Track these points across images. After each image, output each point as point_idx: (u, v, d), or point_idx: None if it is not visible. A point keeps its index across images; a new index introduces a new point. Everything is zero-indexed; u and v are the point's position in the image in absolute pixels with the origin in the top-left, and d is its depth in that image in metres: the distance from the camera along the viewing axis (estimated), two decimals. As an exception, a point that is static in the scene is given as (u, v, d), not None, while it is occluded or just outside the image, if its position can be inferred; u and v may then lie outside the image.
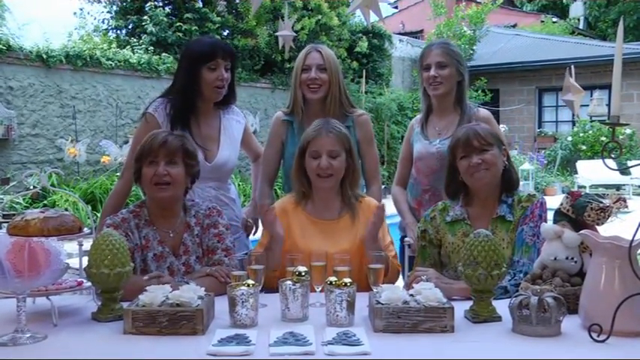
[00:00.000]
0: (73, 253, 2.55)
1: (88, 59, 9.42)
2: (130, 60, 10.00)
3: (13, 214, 3.11)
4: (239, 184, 9.34)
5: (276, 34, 3.02)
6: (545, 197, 2.52)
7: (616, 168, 10.57)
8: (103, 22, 11.89)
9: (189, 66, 2.76)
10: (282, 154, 3.05)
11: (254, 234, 3.13)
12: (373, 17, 2.47)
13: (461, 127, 2.56)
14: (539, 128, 16.89)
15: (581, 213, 2.13)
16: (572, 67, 2.88)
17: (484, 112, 3.07)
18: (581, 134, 15.04)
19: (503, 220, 2.40)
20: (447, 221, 2.47)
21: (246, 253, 2.86)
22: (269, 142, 3.09)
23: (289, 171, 2.69)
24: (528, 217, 2.36)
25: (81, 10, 11.94)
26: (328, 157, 2.41)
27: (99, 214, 2.96)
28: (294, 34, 3.09)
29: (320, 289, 2.11)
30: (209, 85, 2.76)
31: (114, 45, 10.53)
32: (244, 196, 8.85)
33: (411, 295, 1.90)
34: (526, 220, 2.36)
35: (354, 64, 13.58)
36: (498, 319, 1.91)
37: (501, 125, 2.97)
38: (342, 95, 2.95)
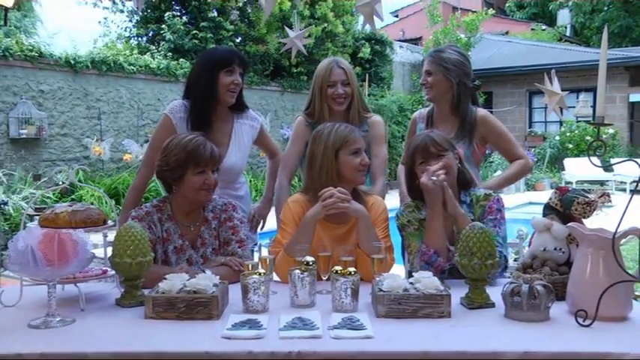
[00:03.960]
0: (98, 243, 2.55)
1: (112, 64, 9.44)
2: (150, 65, 10.01)
3: (44, 208, 3.12)
4: (250, 180, 9.34)
5: (291, 40, 3.02)
6: (500, 195, 2.44)
7: (600, 165, 10.51)
8: (125, 30, 11.94)
9: (208, 71, 2.74)
10: (303, 154, 3.06)
11: (261, 229, 3.14)
12: (376, 24, 2.46)
13: (418, 135, 2.48)
14: (529, 128, 16.82)
15: (569, 207, 2.12)
16: (553, 71, 2.78)
17: (482, 111, 2.98)
18: (568, 134, 15.00)
19: None
20: (421, 218, 2.38)
21: (255, 244, 2.87)
22: (293, 141, 3.10)
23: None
24: (487, 212, 2.33)
25: (105, 19, 12.01)
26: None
27: (121, 208, 2.96)
28: (304, 41, 3.08)
29: (326, 277, 2.12)
30: (224, 88, 2.75)
31: (135, 51, 10.54)
32: (256, 191, 8.85)
33: (411, 283, 1.90)
34: (485, 214, 2.33)
35: (358, 69, 13.54)
36: (492, 305, 1.90)
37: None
38: (360, 102, 3.03)
